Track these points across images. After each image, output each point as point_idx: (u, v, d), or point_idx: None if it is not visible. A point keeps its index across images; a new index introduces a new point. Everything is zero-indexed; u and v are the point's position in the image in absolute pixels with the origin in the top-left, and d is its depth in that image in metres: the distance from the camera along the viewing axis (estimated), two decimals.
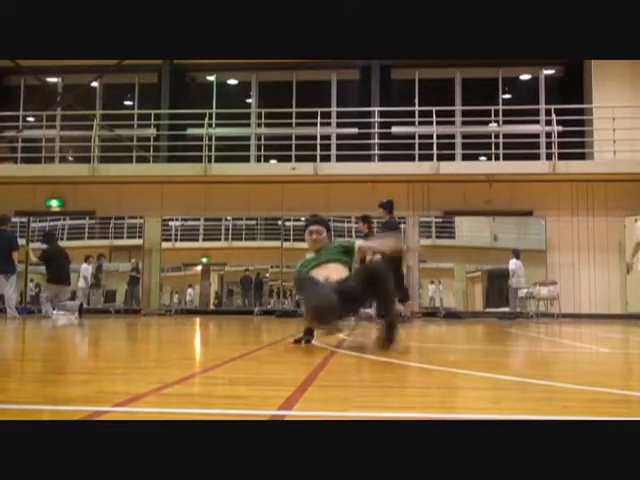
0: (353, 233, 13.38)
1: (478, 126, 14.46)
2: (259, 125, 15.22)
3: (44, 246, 11.09)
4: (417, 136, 13.44)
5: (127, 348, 4.76)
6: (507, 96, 15.32)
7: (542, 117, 14.13)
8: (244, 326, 8.01)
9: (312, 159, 13.24)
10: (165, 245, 14.24)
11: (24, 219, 14.20)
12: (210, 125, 13.91)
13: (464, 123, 14.68)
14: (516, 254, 12.50)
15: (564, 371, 3.38)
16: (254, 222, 14.39)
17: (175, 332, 7.05)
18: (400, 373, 3.03)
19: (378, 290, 3.91)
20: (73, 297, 12.21)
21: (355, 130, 14.20)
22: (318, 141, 13.34)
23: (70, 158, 16.11)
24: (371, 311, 11.81)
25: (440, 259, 13.88)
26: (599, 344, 5.71)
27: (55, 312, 10.68)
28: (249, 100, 16.10)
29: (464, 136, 14.57)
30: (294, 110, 14.67)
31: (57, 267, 10.42)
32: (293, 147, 14.24)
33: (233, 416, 1.70)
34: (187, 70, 16.01)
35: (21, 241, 12.47)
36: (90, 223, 14.43)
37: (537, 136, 14.28)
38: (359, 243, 4.47)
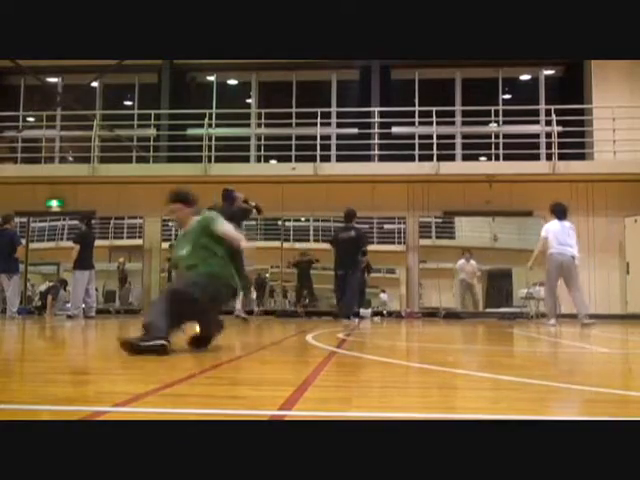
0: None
1: (478, 126, 14.44)
2: (259, 125, 15.21)
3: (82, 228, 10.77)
4: (417, 136, 13.42)
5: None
6: (507, 96, 15.31)
7: (542, 117, 14.12)
8: (244, 326, 8.01)
9: (312, 159, 13.23)
10: (165, 245, 14.22)
11: (24, 219, 14.18)
12: (210, 125, 13.89)
13: (464, 123, 14.66)
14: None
15: (563, 371, 3.38)
16: (254, 222, 14.37)
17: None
18: (400, 373, 3.04)
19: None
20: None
21: (355, 130, 14.19)
22: (318, 141, 13.33)
23: (70, 158, 16.10)
24: (368, 312, 11.84)
25: (440, 259, 13.87)
26: (599, 344, 5.71)
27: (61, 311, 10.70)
28: (249, 100, 16.09)
29: (464, 136, 14.56)
30: (294, 110, 14.66)
31: (90, 251, 10.23)
32: (293, 147, 14.23)
33: (233, 416, 1.70)
34: (187, 70, 15.99)
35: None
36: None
37: (537, 136, 14.27)
38: (223, 229, 3.94)
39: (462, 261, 12.86)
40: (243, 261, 8.88)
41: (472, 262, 12.83)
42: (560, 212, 8.79)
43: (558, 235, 8.54)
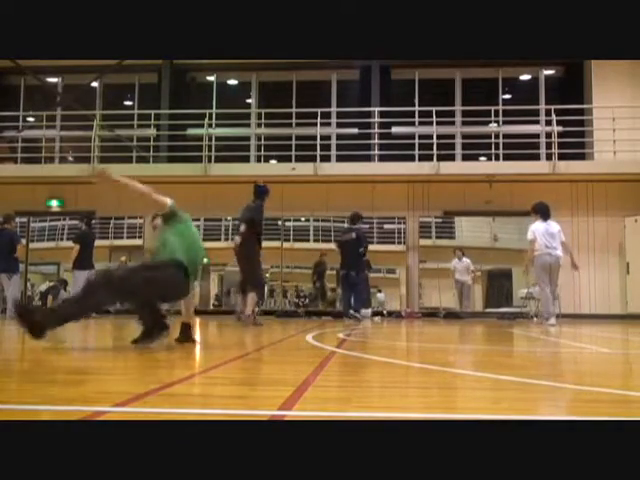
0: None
1: (478, 126, 14.44)
2: (259, 125, 15.21)
3: (83, 227, 10.79)
4: (417, 136, 13.43)
5: (127, 348, 4.76)
6: (507, 96, 15.31)
7: (542, 117, 14.13)
8: (244, 326, 8.00)
9: (312, 159, 13.23)
10: None
11: (24, 219, 14.19)
12: (210, 125, 13.90)
13: (464, 123, 14.66)
14: None
15: (564, 371, 3.38)
16: None
17: (174, 332, 7.03)
18: (400, 373, 3.03)
19: None
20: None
21: (355, 130, 14.19)
22: (318, 141, 13.33)
23: (70, 158, 16.10)
24: (368, 312, 11.84)
25: (440, 259, 13.87)
26: (599, 344, 5.71)
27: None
28: (249, 100, 16.09)
29: (464, 136, 14.56)
30: (294, 110, 14.66)
31: (90, 251, 10.27)
32: (293, 147, 14.23)
33: (233, 416, 1.70)
34: (187, 70, 15.99)
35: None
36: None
37: (537, 136, 14.27)
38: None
39: (455, 261, 12.91)
40: (260, 265, 8.55)
41: (464, 259, 12.86)
42: (543, 212, 8.78)
43: (543, 236, 8.55)
